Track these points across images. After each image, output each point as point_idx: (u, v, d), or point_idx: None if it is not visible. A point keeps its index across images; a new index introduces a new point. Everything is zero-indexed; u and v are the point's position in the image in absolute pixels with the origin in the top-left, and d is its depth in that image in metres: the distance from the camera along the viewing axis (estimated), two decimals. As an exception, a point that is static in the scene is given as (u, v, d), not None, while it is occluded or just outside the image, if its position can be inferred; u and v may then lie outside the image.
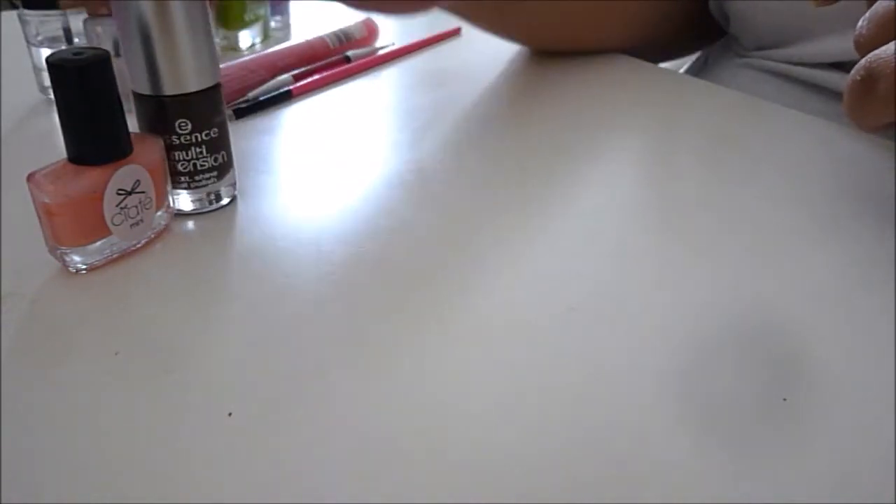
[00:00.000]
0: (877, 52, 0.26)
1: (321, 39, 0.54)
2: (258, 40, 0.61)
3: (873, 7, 0.27)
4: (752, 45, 0.49)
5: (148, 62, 0.30)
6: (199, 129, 0.31)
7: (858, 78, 0.26)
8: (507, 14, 0.46)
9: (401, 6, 0.40)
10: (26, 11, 0.45)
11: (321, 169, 0.38)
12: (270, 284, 0.28)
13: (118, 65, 0.28)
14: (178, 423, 0.22)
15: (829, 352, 0.25)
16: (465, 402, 0.23)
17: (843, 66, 0.43)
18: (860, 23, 0.27)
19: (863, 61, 0.26)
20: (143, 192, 0.30)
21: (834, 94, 0.43)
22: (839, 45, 0.42)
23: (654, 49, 0.53)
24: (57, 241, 0.28)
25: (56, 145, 0.29)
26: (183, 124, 0.31)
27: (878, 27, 0.26)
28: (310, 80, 0.50)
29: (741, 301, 0.27)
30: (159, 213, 0.31)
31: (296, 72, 0.50)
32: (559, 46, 0.50)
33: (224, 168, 0.33)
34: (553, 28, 0.49)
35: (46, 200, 0.27)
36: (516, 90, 0.50)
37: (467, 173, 0.38)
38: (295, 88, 0.48)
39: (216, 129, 0.32)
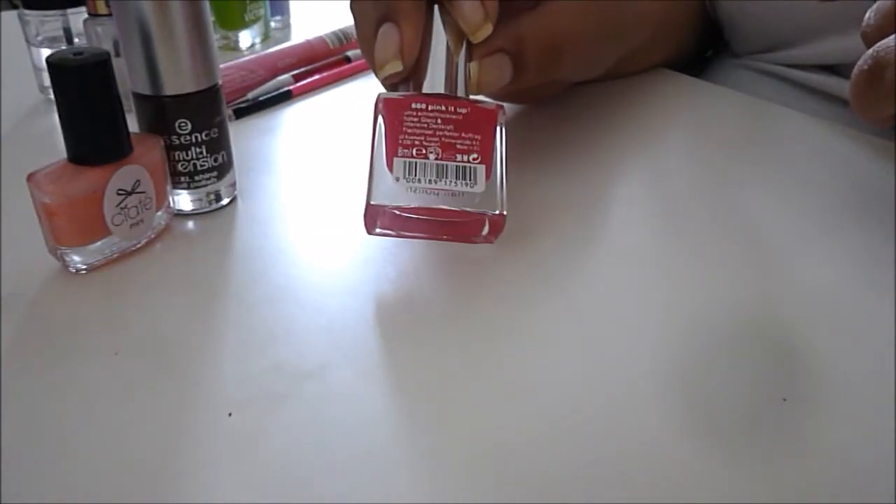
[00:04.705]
0: (884, 41, 0.25)
1: (321, 39, 0.54)
2: (258, 40, 0.61)
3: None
4: (744, 49, 0.49)
5: (148, 62, 0.30)
6: (199, 129, 0.31)
7: (865, 67, 0.26)
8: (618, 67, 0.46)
9: (533, 101, 0.44)
10: (26, 11, 0.45)
11: (321, 169, 0.38)
12: (270, 284, 0.28)
13: (118, 65, 0.28)
14: (178, 423, 0.22)
15: (829, 352, 0.25)
16: (465, 403, 0.23)
17: (838, 71, 0.43)
18: (867, 14, 0.27)
19: (870, 51, 0.26)
20: (143, 192, 0.30)
21: (829, 98, 0.43)
22: (830, 48, 0.42)
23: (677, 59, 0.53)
24: (57, 241, 0.28)
25: (56, 145, 0.29)
26: (183, 124, 0.31)
27: (884, 18, 0.26)
28: (310, 80, 0.50)
29: (741, 301, 0.27)
30: (159, 213, 0.31)
31: (296, 72, 0.50)
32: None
33: (224, 168, 0.33)
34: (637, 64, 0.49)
35: (46, 200, 0.27)
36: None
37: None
38: (295, 88, 0.48)
39: (216, 129, 0.32)
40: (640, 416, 0.22)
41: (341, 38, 0.55)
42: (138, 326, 0.26)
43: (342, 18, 0.58)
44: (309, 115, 0.46)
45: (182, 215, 0.33)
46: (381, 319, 0.27)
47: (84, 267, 0.29)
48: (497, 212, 0.27)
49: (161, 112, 0.31)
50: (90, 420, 0.22)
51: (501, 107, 0.29)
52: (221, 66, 0.34)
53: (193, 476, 0.20)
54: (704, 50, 0.54)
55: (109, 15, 0.42)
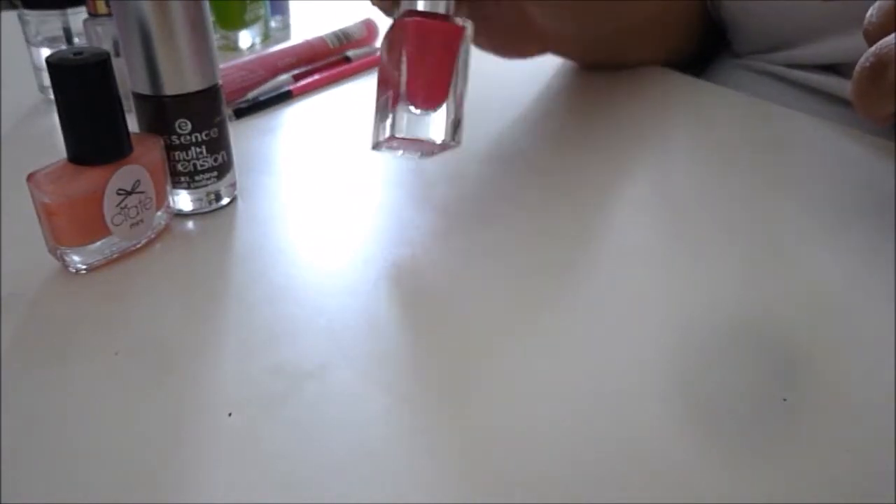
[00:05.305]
0: (885, 39, 0.26)
1: (321, 39, 0.54)
2: (258, 40, 0.61)
3: None
4: (746, 49, 0.49)
5: (148, 62, 0.30)
6: (199, 129, 0.31)
7: (867, 65, 0.26)
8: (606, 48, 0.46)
9: (514, 52, 0.44)
10: (26, 11, 0.45)
11: (321, 169, 0.38)
12: (270, 284, 0.28)
13: (118, 65, 0.28)
14: (178, 423, 0.22)
15: (829, 352, 0.25)
16: (465, 403, 0.23)
17: (839, 71, 0.43)
18: (869, 12, 0.27)
19: (871, 49, 0.26)
20: (143, 192, 0.30)
21: (830, 98, 0.43)
22: (831, 48, 0.42)
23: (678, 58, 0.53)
24: (57, 241, 0.28)
25: (56, 145, 0.29)
26: (183, 124, 0.31)
27: (886, 16, 0.26)
28: (310, 80, 0.50)
29: (741, 301, 0.27)
30: (159, 213, 0.31)
31: (296, 72, 0.50)
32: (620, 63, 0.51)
33: (224, 168, 0.33)
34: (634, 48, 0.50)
35: (46, 200, 0.27)
36: (514, 86, 0.50)
37: (465, 171, 0.38)
38: (295, 88, 0.48)
39: (216, 129, 0.32)
40: (640, 417, 0.22)
41: (341, 38, 0.55)
42: (138, 326, 0.26)
43: (342, 18, 0.58)
44: (309, 115, 0.46)
45: (182, 215, 0.33)
46: (382, 319, 0.27)
47: (84, 267, 0.29)
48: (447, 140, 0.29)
49: (161, 112, 0.31)
50: (90, 420, 0.22)
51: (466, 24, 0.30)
52: (221, 66, 0.34)
53: (193, 476, 0.20)
54: (705, 50, 0.54)
55: (109, 15, 0.42)
